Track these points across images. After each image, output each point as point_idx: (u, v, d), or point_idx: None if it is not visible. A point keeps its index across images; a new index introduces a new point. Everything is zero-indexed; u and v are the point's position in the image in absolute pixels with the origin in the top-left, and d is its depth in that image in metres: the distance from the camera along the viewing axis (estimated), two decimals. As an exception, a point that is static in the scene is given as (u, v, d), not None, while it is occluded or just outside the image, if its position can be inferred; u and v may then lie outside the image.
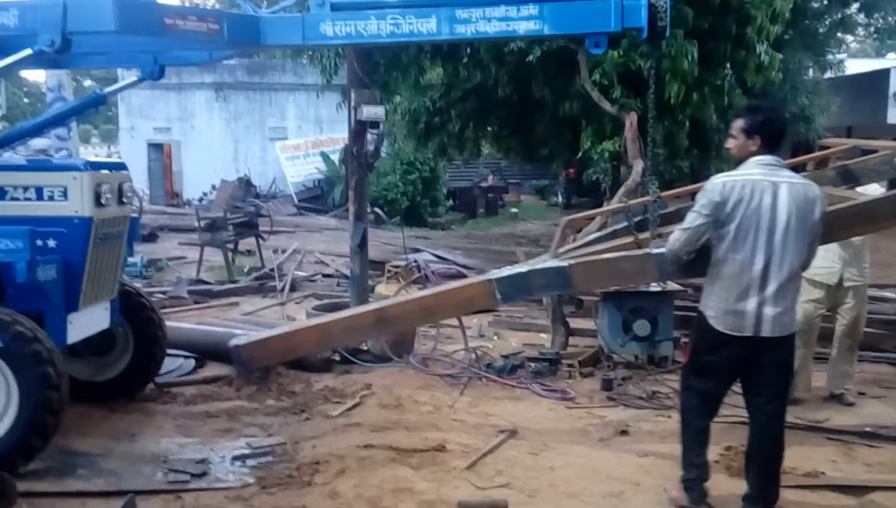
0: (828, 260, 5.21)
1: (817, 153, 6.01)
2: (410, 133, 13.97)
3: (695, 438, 3.80)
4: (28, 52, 3.88)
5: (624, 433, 4.93)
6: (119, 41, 4.73)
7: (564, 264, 4.51)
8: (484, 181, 25.47)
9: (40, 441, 4.11)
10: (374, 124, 7.06)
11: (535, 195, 27.99)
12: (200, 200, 22.34)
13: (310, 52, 11.57)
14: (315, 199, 22.21)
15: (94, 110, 5.90)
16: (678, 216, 4.47)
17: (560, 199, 25.43)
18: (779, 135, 3.62)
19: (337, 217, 18.96)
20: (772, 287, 3.47)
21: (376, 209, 17.64)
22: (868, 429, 4.98)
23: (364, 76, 7.10)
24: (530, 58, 9.86)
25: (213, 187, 21.60)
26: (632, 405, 5.51)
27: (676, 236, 3.75)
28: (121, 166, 5.13)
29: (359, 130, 7.05)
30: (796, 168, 4.40)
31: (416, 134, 13.86)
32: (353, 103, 7.04)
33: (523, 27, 4.28)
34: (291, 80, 24.12)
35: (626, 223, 5.07)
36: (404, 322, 5.70)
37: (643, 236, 4.67)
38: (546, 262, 4.65)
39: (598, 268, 4.53)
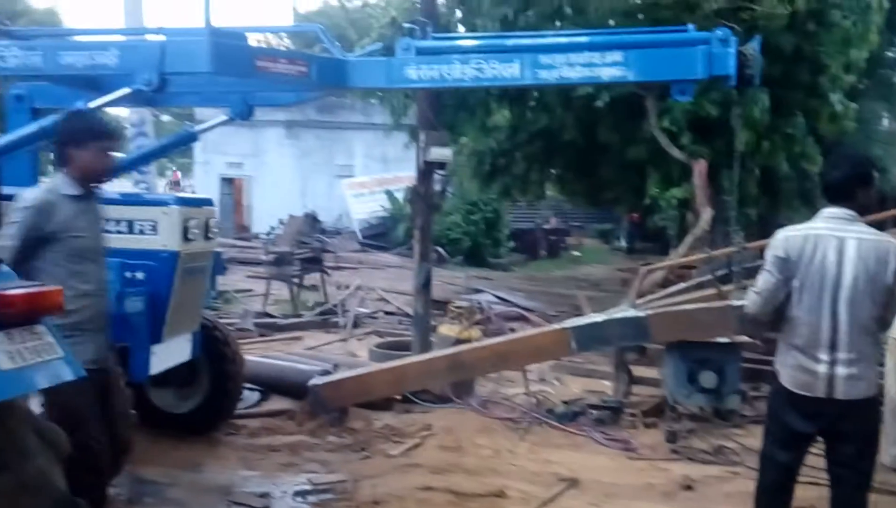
0: None
1: None
2: (475, 174, 14.10)
3: None
4: (127, 90, 4.04)
5: (689, 488, 4.80)
6: (211, 81, 4.88)
7: (642, 314, 4.45)
8: (546, 223, 25.40)
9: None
10: (441, 165, 7.17)
11: (598, 239, 27.76)
12: (268, 234, 22.80)
13: (381, 93, 11.82)
14: (379, 236, 22.48)
15: (183, 147, 6.12)
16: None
17: (623, 243, 25.17)
18: (841, 186, 3.41)
19: (400, 255, 19.12)
20: (843, 347, 3.29)
21: (438, 248, 17.74)
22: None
23: (433, 117, 7.24)
24: (599, 103, 9.89)
25: (281, 222, 22.05)
26: (697, 459, 5.36)
27: (752, 298, 3.56)
28: (207, 202, 5.23)
29: (426, 170, 7.17)
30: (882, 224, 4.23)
31: (480, 175, 13.98)
32: (421, 144, 7.17)
33: (607, 73, 4.29)
34: (360, 119, 24.65)
35: (709, 275, 4.97)
36: (478, 369, 5.74)
37: (727, 288, 4.56)
38: (623, 312, 4.60)
39: (677, 319, 4.47)
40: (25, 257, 3.34)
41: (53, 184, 3.54)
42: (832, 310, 3.29)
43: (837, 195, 3.42)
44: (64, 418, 2.91)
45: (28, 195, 3.48)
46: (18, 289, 2.39)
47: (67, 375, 2.51)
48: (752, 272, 4.65)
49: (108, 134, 3.58)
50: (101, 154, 3.53)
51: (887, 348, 4.50)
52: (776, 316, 3.50)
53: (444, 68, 4.44)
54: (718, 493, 4.75)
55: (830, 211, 3.41)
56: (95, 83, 4.67)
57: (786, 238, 3.41)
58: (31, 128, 4.22)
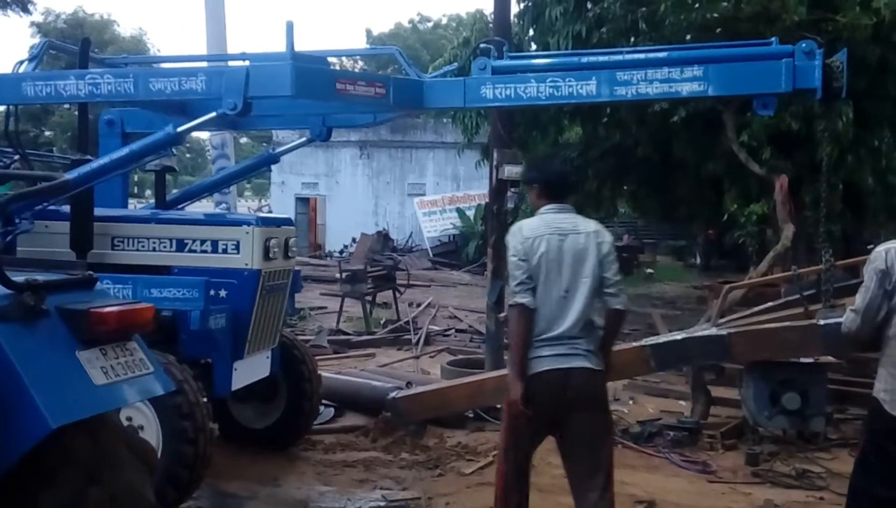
0: None
1: None
2: (547, 192, 14.04)
3: None
4: (213, 114, 4.19)
5: (771, 513, 4.65)
6: (292, 104, 5.00)
7: (724, 332, 4.36)
8: (619, 241, 25.05)
9: (175, 494, 4.14)
10: (515, 183, 7.17)
11: (672, 256, 27.22)
12: (341, 252, 23.24)
13: (453, 113, 11.92)
14: (450, 254, 22.61)
15: (264, 168, 6.30)
16: (855, 288, 4.20)
17: (698, 260, 24.61)
18: None
19: (470, 272, 19.16)
20: None
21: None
22: None
23: (506, 135, 7.26)
24: (675, 118, 9.74)
25: (354, 240, 22.43)
26: (779, 483, 5.18)
27: (850, 317, 3.38)
28: (287, 222, 5.35)
29: (499, 188, 7.18)
30: None
31: (552, 192, 13.91)
32: (494, 162, 7.19)
33: (686, 88, 4.23)
34: (431, 138, 24.94)
35: (797, 295, 4.81)
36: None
37: (814, 307, 4.41)
38: (704, 330, 4.52)
39: (760, 338, 4.36)
40: None
41: None
42: None
43: None
44: None
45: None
46: (111, 307, 2.49)
47: (158, 390, 2.60)
48: (841, 291, 4.48)
49: None
50: None
51: None
52: (873, 333, 3.34)
53: (519, 87, 4.45)
54: (803, 519, 4.59)
55: None
56: (183, 108, 4.87)
57: (887, 251, 3.27)
58: (122, 152, 4.41)
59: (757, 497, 4.92)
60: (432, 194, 24.84)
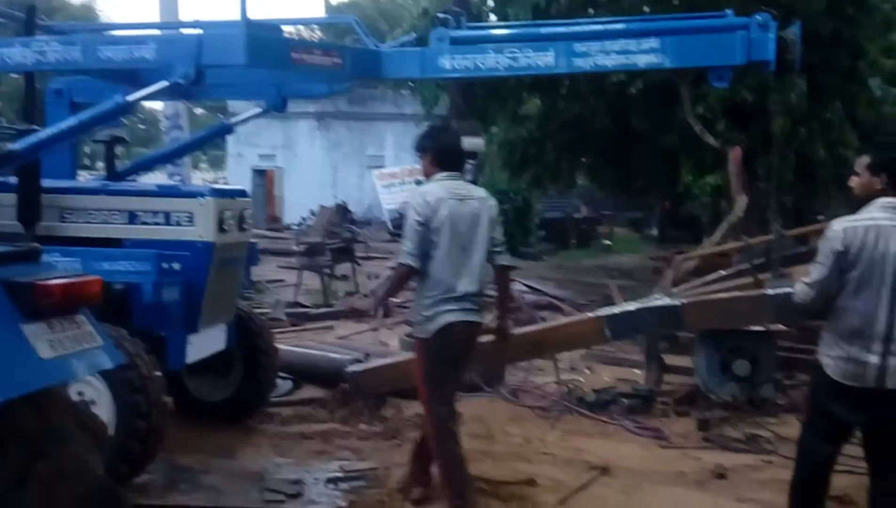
0: None
1: None
2: (506, 163, 14.09)
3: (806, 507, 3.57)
4: (164, 84, 4.08)
5: (721, 476, 4.77)
6: (246, 74, 4.92)
7: (677, 302, 4.44)
8: (577, 212, 25.26)
9: (127, 468, 4.09)
10: (472, 155, 7.17)
11: (629, 228, 27.56)
12: (299, 224, 23.04)
13: (412, 84, 11.85)
14: (409, 226, 22.54)
15: (218, 139, 6.20)
16: (804, 257, 4.30)
17: (654, 232, 24.96)
18: None
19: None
20: None
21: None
22: None
23: (464, 107, 7.24)
24: (632, 90, 9.81)
25: (312, 213, 22.24)
26: (729, 447, 5.32)
27: (804, 289, 3.47)
28: (242, 193, 5.26)
29: (457, 160, 7.16)
30: None
31: (511, 164, 13.96)
32: (451, 134, 7.16)
33: (643, 60, 4.28)
34: (391, 109, 24.74)
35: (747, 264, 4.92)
36: (514, 355, 5.76)
37: (764, 276, 4.51)
38: (658, 300, 4.60)
39: (712, 307, 4.46)
40: None
41: None
42: (890, 303, 3.24)
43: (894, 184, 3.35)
44: None
45: None
46: (57, 279, 2.45)
47: (107, 363, 2.57)
48: (789, 260, 4.59)
49: None
50: None
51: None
52: (825, 306, 3.43)
53: (478, 58, 4.45)
54: (751, 481, 4.71)
55: (888, 200, 3.33)
56: (133, 77, 4.74)
57: (844, 230, 3.31)
58: (70, 122, 4.29)
59: (707, 461, 5.04)
60: (391, 167, 24.69)
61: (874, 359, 3.26)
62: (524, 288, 11.97)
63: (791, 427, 5.16)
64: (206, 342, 4.96)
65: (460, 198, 3.90)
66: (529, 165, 14.04)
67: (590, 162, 14.82)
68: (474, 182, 7.57)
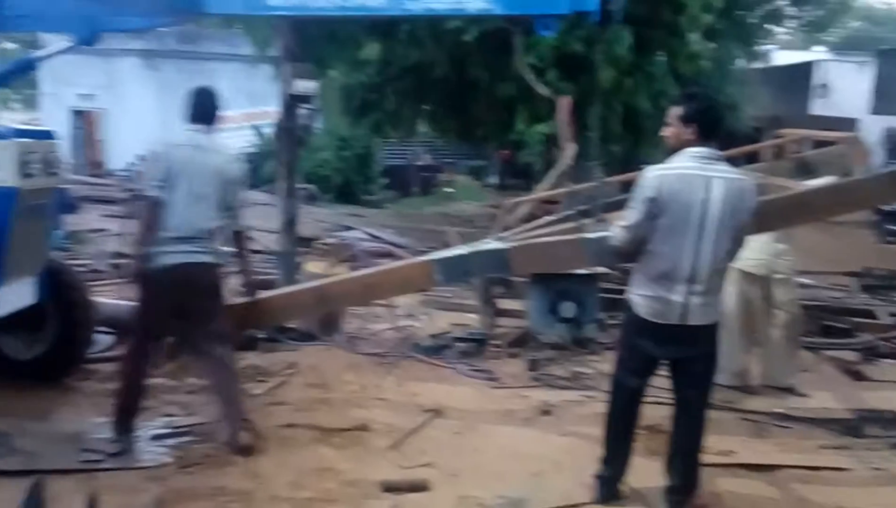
0: (757, 251, 5.22)
1: (771, 141, 6.12)
2: (345, 109, 13.83)
3: (618, 437, 3.78)
4: None
5: (547, 413, 5.00)
6: (53, 3, 4.58)
7: (504, 246, 4.54)
8: (419, 160, 25.36)
9: None
10: (307, 99, 6.95)
11: (470, 176, 28.01)
12: (126, 170, 21.64)
13: (243, 23, 11.31)
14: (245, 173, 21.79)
15: (21, 76, 5.63)
16: (624, 204, 4.48)
17: (495, 180, 25.54)
18: (716, 124, 3.55)
19: (268, 193, 18.57)
20: (700, 279, 3.45)
21: (308, 185, 17.39)
22: (779, 410, 5.17)
23: (298, 50, 6.97)
24: (467, 37, 9.85)
25: (141, 158, 20.94)
26: (555, 385, 5.59)
27: (619, 233, 3.66)
28: (48, 135, 4.89)
29: (290, 104, 6.93)
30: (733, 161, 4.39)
31: (350, 110, 13.73)
32: (284, 77, 6.91)
33: (473, 6, 4.31)
34: (224, 49, 23.47)
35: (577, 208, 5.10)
36: (345, 301, 5.72)
37: (586, 221, 4.69)
38: (486, 244, 4.68)
39: (535, 252, 4.59)
40: None
41: None
42: (695, 247, 3.42)
43: (709, 133, 3.49)
44: None
45: None
46: None
47: None
48: (612, 206, 4.80)
49: None
50: None
51: (729, 276, 4.77)
52: (638, 249, 3.60)
53: None
54: (574, 416, 4.97)
55: (698, 150, 3.47)
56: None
57: (657, 178, 3.46)
58: None
59: (535, 399, 5.26)
60: (226, 110, 23.62)
61: (678, 298, 3.49)
62: (364, 236, 11.93)
63: (611, 364, 5.46)
64: (13, 297, 4.60)
65: (201, 148, 4.40)
66: (370, 112, 13.85)
67: (431, 110, 14.82)
68: (309, 128, 7.39)
